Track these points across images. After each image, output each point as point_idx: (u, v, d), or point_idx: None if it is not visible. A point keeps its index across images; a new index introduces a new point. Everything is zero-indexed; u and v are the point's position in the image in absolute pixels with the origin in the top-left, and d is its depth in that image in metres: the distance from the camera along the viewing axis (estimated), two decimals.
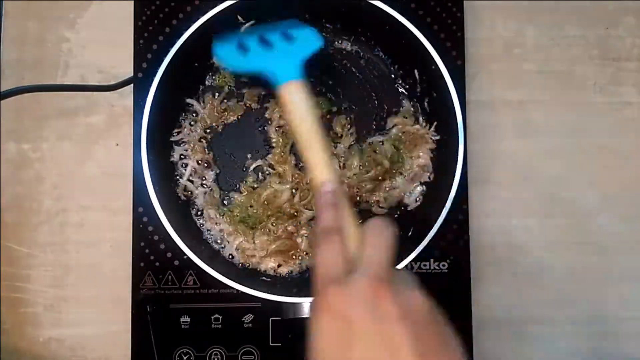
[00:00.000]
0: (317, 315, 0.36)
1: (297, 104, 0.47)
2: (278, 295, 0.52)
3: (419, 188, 0.59)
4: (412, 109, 0.60)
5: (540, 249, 0.61)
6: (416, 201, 0.59)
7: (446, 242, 0.57)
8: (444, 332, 0.37)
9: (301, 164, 0.59)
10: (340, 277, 0.37)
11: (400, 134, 0.59)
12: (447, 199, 0.53)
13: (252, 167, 0.59)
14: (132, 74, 0.58)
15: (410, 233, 0.57)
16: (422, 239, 0.53)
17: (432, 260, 0.57)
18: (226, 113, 0.60)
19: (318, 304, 0.37)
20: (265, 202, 0.58)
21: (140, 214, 0.57)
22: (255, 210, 0.58)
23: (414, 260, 0.53)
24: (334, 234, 0.40)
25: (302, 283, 0.57)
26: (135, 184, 0.56)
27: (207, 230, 0.58)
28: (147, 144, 0.54)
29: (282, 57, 0.50)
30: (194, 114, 0.60)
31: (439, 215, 0.53)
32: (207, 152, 0.59)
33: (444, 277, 0.57)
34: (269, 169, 0.59)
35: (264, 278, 0.57)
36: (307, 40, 0.52)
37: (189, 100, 0.59)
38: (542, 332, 0.61)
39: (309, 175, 0.44)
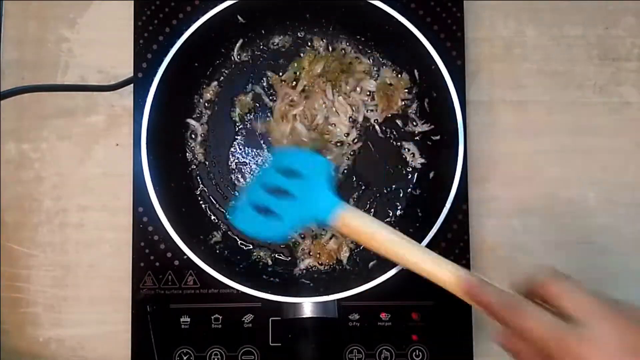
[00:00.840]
0: None
1: (361, 226, 0.45)
2: (278, 295, 0.52)
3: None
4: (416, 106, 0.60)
5: (540, 249, 0.61)
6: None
7: (446, 242, 0.57)
8: None
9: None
10: (568, 330, 0.35)
11: None
12: (446, 199, 0.53)
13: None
14: (132, 74, 0.58)
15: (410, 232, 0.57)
16: (422, 239, 0.53)
17: None
18: None
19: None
20: None
21: (140, 214, 0.57)
22: None
23: None
24: (517, 302, 0.38)
25: (302, 283, 0.57)
26: (135, 184, 0.56)
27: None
28: (147, 144, 0.54)
29: (309, 197, 0.47)
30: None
31: (439, 216, 0.53)
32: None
33: None
34: None
35: (265, 277, 0.57)
36: (314, 166, 0.48)
37: (188, 121, 0.60)
38: None
39: (441, 285, 0.42)
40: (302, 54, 0.60)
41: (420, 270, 0.43)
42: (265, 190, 0.49)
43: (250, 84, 0.60)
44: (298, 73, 0.60)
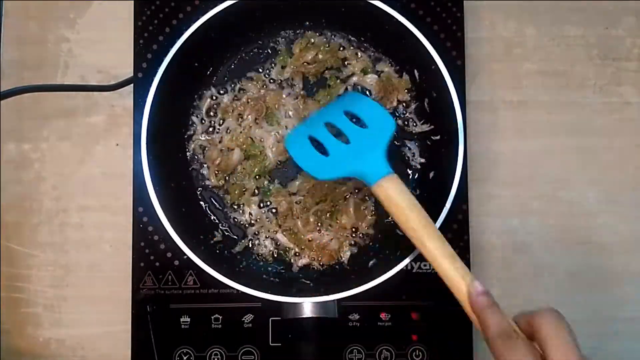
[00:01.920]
0: None
1: (399, 200, 0.44)
2: (278, 295, 0.52)
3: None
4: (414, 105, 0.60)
5: (540, 249, 0.61)
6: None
7: None
8: None
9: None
10: None
11: None
12: (446, 199, 0.53)
13: None
14: (132, 74, 0.58)
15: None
16: None
17: None
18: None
19: None
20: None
21: (140, 214, 0.57)
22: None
23: (414, 260, 0.53)
24: (515, 337, 0.37)
25: (302, 283, 0.57)
26: (135, 184, 0.56)
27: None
28: (147, 144, 0.54)
29: (364, 150, 0.47)
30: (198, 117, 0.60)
31: (439, 216, 0.53)
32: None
33: None
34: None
35: (265, 277, 0.57)
36: (381, 124, 0.49)
37: (193, 119, 0.60)
38: None
39: (447, 283, 0.42)
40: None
41: (435, 264, 0.42)
42: (325, 125, 0.50)
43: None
44: (283, 65, 0.60)
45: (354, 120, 0.51)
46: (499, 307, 0.39)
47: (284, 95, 0.60)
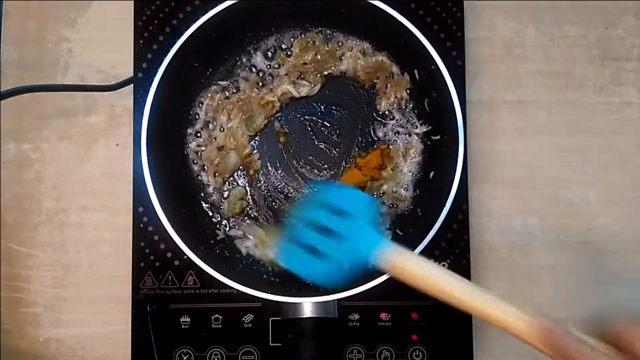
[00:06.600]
0: None
1: (414, 270, 0.41)
2: (278, 295, 0.52)
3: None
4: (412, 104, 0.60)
5: (540, 249, 0.61)
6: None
7: (446, 242, 0.57)
8: None
9: None
10: None
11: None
12: (447, 199, 0.53)
13: None
14: (132, 74, 0.58)
15: (409, 232, 0.57)
16: (422, 239, 0.53)
17: (432, 260, 0.57)
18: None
19: None
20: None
21: (140, 214, 0.57)
22: None
23: None
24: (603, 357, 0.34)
25: (302, 283, 0.57)
26: (135, 184, 0.56)
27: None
28: (147, 144, 0.54)
29: (359, 239, 0.44)
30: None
31: (439, 216, 0.53)
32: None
33: None
34: None
35: (265, 277, 0.57)
36: (361, 207, 0.45)
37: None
38: None
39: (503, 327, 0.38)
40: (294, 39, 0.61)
41: (485, 317, 0.38)
42: (311, 228, 0.45)
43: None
44: (281, 63, 0.60)
45: (334, 212, 0.46)
46: (571, 332, 0.35)
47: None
